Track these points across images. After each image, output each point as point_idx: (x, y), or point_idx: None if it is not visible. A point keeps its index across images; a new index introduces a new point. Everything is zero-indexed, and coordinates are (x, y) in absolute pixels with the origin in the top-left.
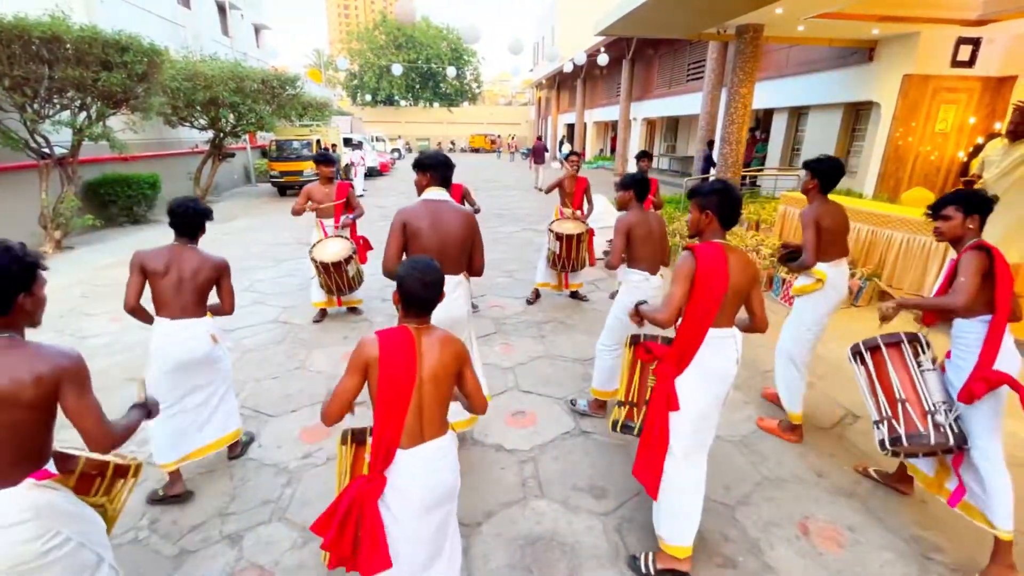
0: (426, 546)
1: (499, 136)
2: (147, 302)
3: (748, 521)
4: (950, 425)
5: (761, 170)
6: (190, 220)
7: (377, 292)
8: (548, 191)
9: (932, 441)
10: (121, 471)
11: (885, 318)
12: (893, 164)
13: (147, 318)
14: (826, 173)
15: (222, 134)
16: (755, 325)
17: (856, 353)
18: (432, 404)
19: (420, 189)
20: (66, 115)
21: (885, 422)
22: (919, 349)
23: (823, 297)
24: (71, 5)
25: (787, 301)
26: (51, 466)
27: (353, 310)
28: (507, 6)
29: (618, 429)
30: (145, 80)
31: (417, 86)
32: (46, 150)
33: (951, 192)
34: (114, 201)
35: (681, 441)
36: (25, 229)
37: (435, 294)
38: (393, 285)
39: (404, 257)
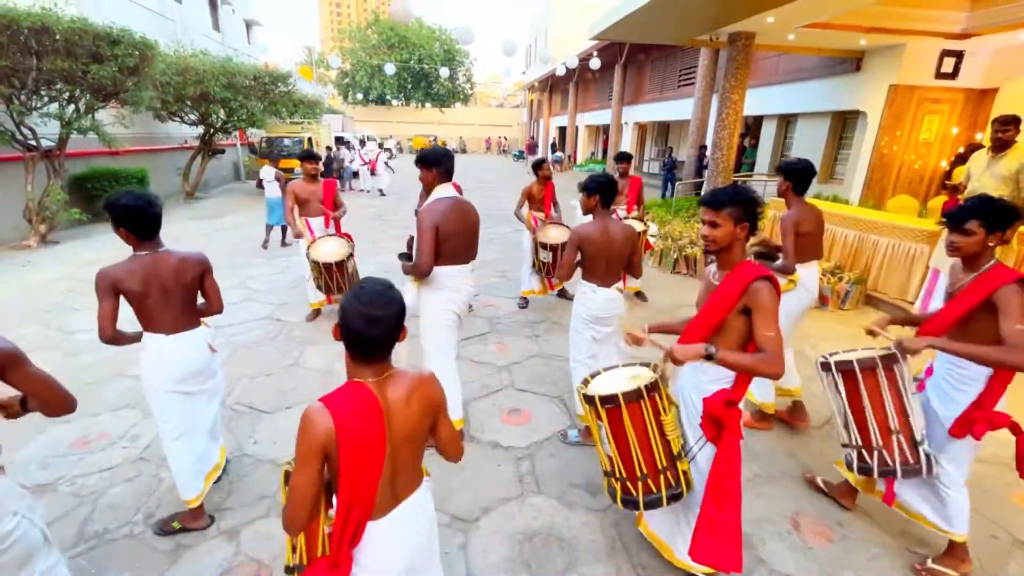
0: None
1: (435, 137)
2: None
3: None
4: (925, 452)
5: (751, 175)
6: (153, 217)
7: None
8: (519, 208)
9: (924, 473)
10: None
11: (873, 334)
12: (879, 172)
13: (132, 338)
14: (799, 174)
15: (212, 130)
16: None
17: (837, 370)
18: (407, 465)
19: (428, 185)
20: (54, 107)
21: (876, 452)
22: (900, 370)
23: (795, 298)
24: None
25: None
26: None
27: None
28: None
29: (619, 503)
30: (136, 73)
31: (409, 86)
32: (32, 142)
33: (974, 200)
34: (101, 195)
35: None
36: (9, 222)
37: (384, 334)
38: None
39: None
